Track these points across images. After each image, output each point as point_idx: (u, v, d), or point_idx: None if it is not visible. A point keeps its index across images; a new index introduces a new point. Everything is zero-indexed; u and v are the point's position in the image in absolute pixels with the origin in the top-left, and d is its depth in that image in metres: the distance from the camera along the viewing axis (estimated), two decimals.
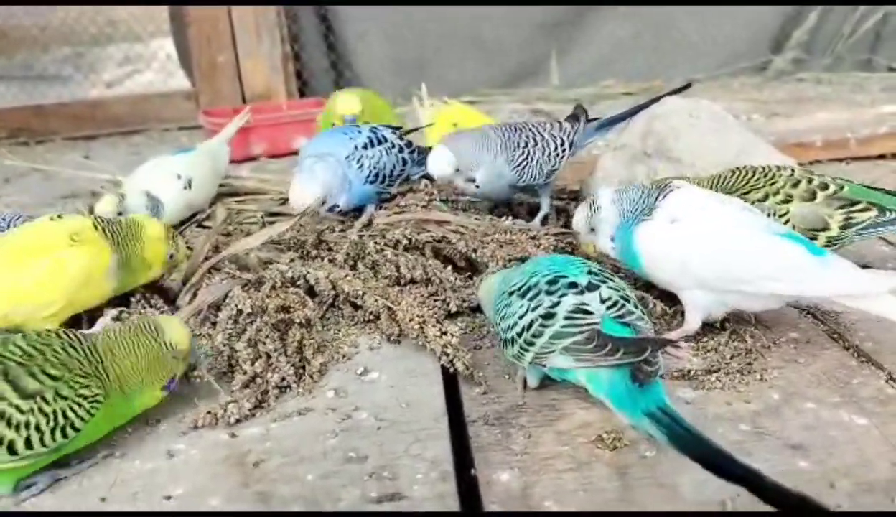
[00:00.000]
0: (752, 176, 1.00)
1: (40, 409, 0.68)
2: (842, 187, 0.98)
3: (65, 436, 0.69)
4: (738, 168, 1.03)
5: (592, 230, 0.95)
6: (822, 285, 0.82)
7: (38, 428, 0.68)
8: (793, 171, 1.01)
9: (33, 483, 0.71)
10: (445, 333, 0.88)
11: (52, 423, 0.68)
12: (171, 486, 0.70)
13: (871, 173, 1.59)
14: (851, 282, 0.81)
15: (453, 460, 0.71)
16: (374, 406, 0.81)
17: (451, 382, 0.85)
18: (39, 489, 0.71)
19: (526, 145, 1.22)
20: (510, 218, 1.20)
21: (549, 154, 1.24)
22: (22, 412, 0.67)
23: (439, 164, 1.20)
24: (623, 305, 0.75)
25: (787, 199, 0.96)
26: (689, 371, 0.83)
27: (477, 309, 1.00)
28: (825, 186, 0.97)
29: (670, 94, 1.37)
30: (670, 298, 0.98)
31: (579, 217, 0.97)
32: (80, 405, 0.70)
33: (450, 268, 1.04)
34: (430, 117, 1.59)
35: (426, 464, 0.70)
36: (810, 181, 0.98)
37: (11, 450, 0.67)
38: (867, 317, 0.91)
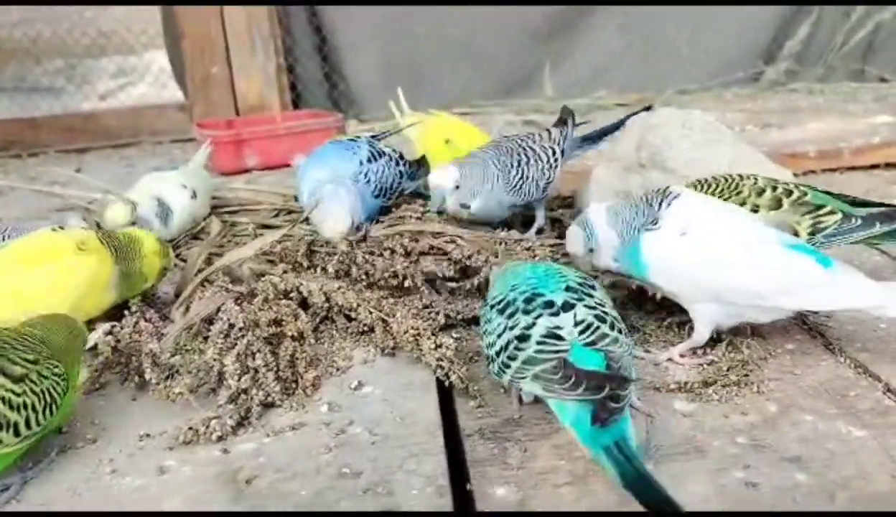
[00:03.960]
0: (717, 187, 1.00)
1: (31, 391, 0.71)
2: (805, 193, 0.98)
3: (51, 413, 0.72)
4: (700, 179, 1.04)
5: (591, 251, 0.93)
6: (835, 299, 0.82)
7: (33, 408, 0.71)
8: (756, 179, 1.01)
9: (6, 487, 0.72)
10: (440, 346, 0.87)
11: (42, 403, 0.72)
12: (162, 503, 0.69)
13: (865, 184, 1.60)
14: (863, 296, 0.81)
15: (449, 475, 0.70)
16: (369, 420, 0.80)
17: (446, 396, 0.85)
18: (16, 491, 0.72)
19: (519, 164, 1.22)
20: (505, 229, 1.20)
21: (543, 168, 1.25)
22: (17, 395, 0.70)
23: (444, 179, 1.18)
24: (597, 328, 0.72)
25: (755, 209, 0.96)
26: (686, 383, 0.83)
27: (471, 321, 1.00)
28: (789, 193, 0.98)
29: (635, 114, 1.37)
30: (668, 309, 0.97)
31: (575, 240, 0.95)
32: (58, 384, 0.74)
33: (444, 264, 1.03)
34: (417, 129, 1.58)
35: (422, 479, 0.69)
36: (774, 188, 0.98)
37: (16, 431, 0.70)
38: (864, 327, 0.92)
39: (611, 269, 0.95)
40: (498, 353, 0.75)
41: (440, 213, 1.26)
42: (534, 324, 0.73)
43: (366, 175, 1.24)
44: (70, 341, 0.80)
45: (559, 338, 0.71)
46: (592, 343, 0.71)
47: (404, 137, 1.60)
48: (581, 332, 0.72)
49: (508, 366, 0.73)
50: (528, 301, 0.75)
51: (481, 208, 1.21)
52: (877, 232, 0.95)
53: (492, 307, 0.79)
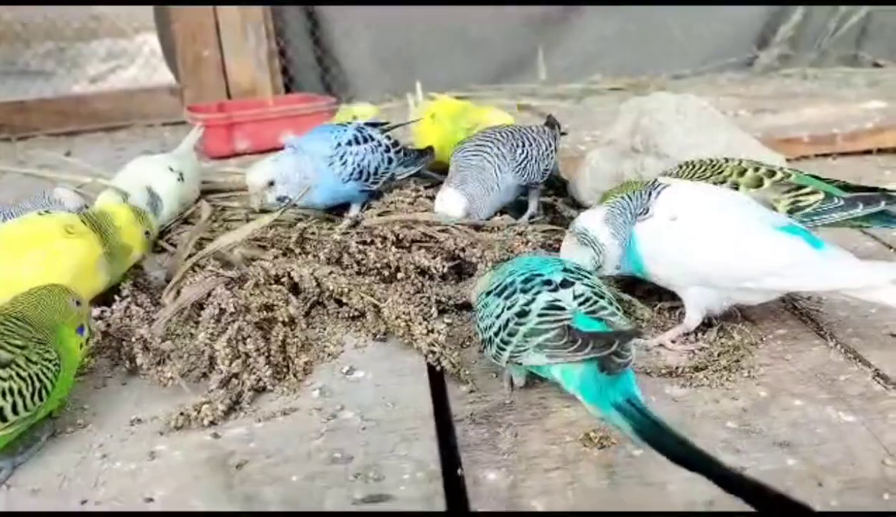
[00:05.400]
0: (699, 168, 1.01)
1: (18, 375, 0.71)
2: (789, 175, 0.98)
3: (41, 398, 0.72)
4: (685, 162, 1.04)
5: (599, 267, 0.91)
6: (825, 280, 0.83)
7: (20, 393, 0.71)
8: (740, 161, 1.01)
9: None
10: (432, 331, 0.87)
11: (30, 387, 0.71)
12: (152, 488, 0.69)
13: (857, 168, 1.60)
14: (853, 276, 0.82)
15: (440, 460, 0.70)
16: (360, 405, 0.80)
17: (437, 381, 0.85)
18: (6, 475, 0.72)
19: (524, 144, 1.23)
20: (498, 214, 1.19)
21: (542, 151, 1.25)
22: (4, 380, 0.70)
23: (453, 208, 1.17)
24: (596, 301, 0.74)
25: (735, 186, 0.96)
26: (676, 368, 0.83)
27: (463, 306, 1.00)
28: (772, 173, 0.98)
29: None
30: (658, 295, 0.97)
31: (583, 259, 0.91)
32: (48, 368, 0.74)
33: (437, 259, 1.03)
34: (418, 114, 1.58)
35: (412, 463, 0.69)
36: (757, 169, 0.99)
37: (2, 417, 0.69)
38: (855, 313, 0.92)
39: (611, 275, 0.95)
40: (496, 333, 0.75)
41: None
42: (533, 300, 0.74)
43: (342, 157, 1.24)
44: (59, 312, 0.79)
45: (560, 308, 0.73)
46: (593, 312, 0.73)
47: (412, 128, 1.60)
48: (581, 304, 0.73)
49: (508, 343, 0.74)
50: (526, 281, 0.76)
51: (491, 213, 1.21)
52: (859, 213, 0.95)
53: (488, 294, 0.79)
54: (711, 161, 1.02)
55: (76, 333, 0.80)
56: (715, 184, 0.97)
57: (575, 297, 0.74)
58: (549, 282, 0.75)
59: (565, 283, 0.75)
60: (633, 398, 0.65)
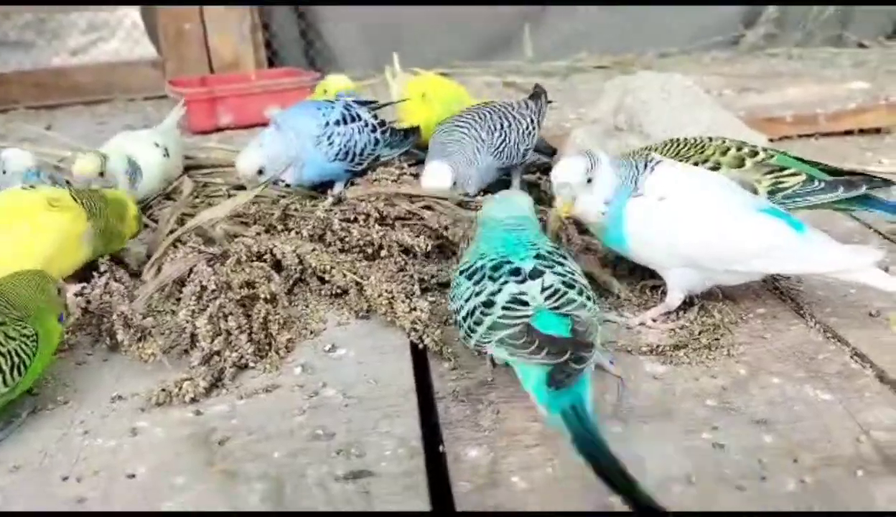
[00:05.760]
0: (683, 146, 1.01)
1: None
2: (771, 156, 0.99)
3: (20, 373, 0.72)
4: (670, 139, 1.04)
5: (589, 181, 0.85)
6: (806, 263, 0.83)
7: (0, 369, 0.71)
8: (724, 140, 1.01)
9: None
10: (414, 309, 0.87)
11: (9, 363, 0.71)
12: (134, 464, 0.69)
13: (840, 148, 1.61)
14: (834, 259, 0.82)
15: (422, 437, 0.70)
16: (342, 383, 0.80)
17: (420, 358, 0.85)
18: None
19: (502, 127, 1.23)
20: (482, 193, 1.19)
21: (522, 132, 1.25)
22: None
23: (440, 180, 1.16)
24: (564, 294, 0.72)
25: (716, 166, 0.97)
26: (657, 346, 0.83)
27: (446, 285, 1.00)
28: (754, 154, 0.98)
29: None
30: (640, 274, 0.98)
31: (574, 167, 0.85)
32: (26, 344, 0.74)
33: (421, 238, 1.03)
34: (403, 90, 1.57)
35: (394, 440, 0.70)
36: (739, 149, 0.99)
37: None
38: (834, 293, 0.93)
39: (591, 216, 0.89)
40: (465, 318, 0.75)
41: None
42: (499, 290, 0.73)
43: (329, 137, 1.23)
44: (40, 297, 0.79)
45: (523, 303, 0.72)
46: (558, 308, 0.71)
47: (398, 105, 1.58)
48: (547, 298, 0.72)
49: (474, 331, 0.74)
50: (495, 268, 0.75)
51: (477, 188, 1.21)
52: (839, 196, 0.95)
53: (461, 272, 0.79)
54: (695, 140, 1.02)
55: (58, 322, 0.80)
56: (697, 163, 0.97)
57: (543, 290, 0.72)
58: (517, 272, 0.74)
59: (535, 273, 0.74)
60: (579, 405, 0.63)
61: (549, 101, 1.37)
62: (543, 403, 0.67)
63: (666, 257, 0.87)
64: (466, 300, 0.75)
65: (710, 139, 1.02)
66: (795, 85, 2.09)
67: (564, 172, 0.86)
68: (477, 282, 0.75)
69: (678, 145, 1.02)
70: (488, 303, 0.73)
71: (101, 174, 1.21)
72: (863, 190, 0.96)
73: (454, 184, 1.16)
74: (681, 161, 0.98)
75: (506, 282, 0.73)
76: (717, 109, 1.33)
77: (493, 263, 0.76)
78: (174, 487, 0.65)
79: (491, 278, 0.74)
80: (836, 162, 1.08)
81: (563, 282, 0.73)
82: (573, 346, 0.67)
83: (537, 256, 0.76)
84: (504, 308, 0.72)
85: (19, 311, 0.76)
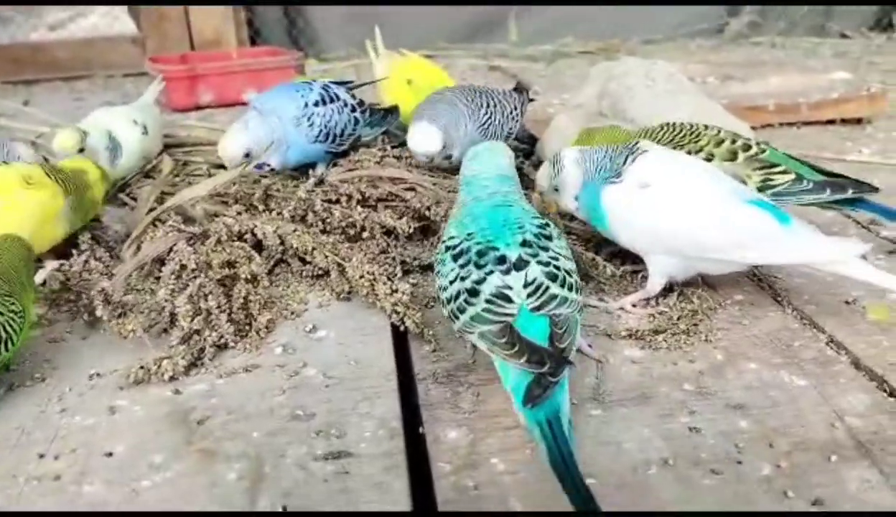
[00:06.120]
0: (679, 132, 1.02)
1: None
2: (763, 151, 0.99)
3: (6, 349, 0.73)
4: (667, 123, 1.04)
5: (556, 190, 0.94)
6: (790, 254, 0.84)
7: None
8: (719, 130, 1.02)
9: None
10: (396, 291, 0.87)
11: None
12: (112, 443, 0.69)
13: (820, 137, 1.62)
14: (818, 251, 0.83)
15: (402, 418, 0.71)
16: (323, 363, 0.80)
17: (400, 340, 0.85)
18: None
19: (488, 106, 1.23)
20: None
21: (507, 115, 1.25)
22: None
23: (430, 142, 1.15)
24: (546, 289, 0.71)
25: (709, 157, 0.98)
26: (636, 331, 0.84)
27: (427, 268, 1.00)
28: (747, 147, 0.99)
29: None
30: (622, 258, 0.98)
31: (542, 175, 0.96)
32: (13, 319, 0.74)
33: (403, 219, 1.03)
34: (385, 69, 1.55)
35: (374, 421, 0.70)
36: (734, 141, 1.00)
37: None
38: (811, 281, 0.94)
39: (570, 211, 0.96)
40: (449, 300, 0.75)
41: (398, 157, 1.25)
42: (484, 279, 0.72)
43: (309, 118, 1.22)
44: (24, 271, 0.79)
45: (508, 299, 0.70)
46: (539, 307, 0.70)
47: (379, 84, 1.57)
48: (530, 295, 0.71)
49: (458, 318, 0.73)
50: (480, 254, 0.74)
51: (461, 154, 1.20)
52: (825, 198, 0.97)
53: (447, 248, 0.78)
54: (691, 126, 1.03)
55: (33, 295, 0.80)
56: (691, 152, 0.98)
57: (526, 285, 0.71)
58: (503, 259, 0.73)
59: (519, 264, 0.72)
60: (554, 419, 0.62)
61: (532, 100, 1.38)
62: (521, 410, 0.66)
63: (649, 243, 0.88)
64: (451, 282, 0.75)
65: (706, 127, 1.02)
66: (778, 74, 2.10)
67: (538, 180, 0.97)
68: (462, 266, 0.74)
69: (673, 130, 1.02)
70: (473, 292, 0.72)
71: (82, 150, 1.20)
72: (848, 194, 0.96)
73: (443, 147, 1.14)
74: (675, 147, 0.99)
75: (491, 272, 0.72)
76: (700, 97, 1.34)
77: (478, 247, 0.74)
78: (152, 466, 0.65)
79: (476, 265, 0.73)
80: (816, 151, 1.09)
81: (547, 274, 0.72)
82: (551, 359, 0.66)
83: (523, 243, 0.74)
84: (488, 301, 0.71)
85: (8, 285, 0.75)
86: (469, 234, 0.77)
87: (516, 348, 0.67)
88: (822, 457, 0.64)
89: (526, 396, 0.64)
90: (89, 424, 0.71)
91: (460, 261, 0.75)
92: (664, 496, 0.60)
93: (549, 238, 0.76)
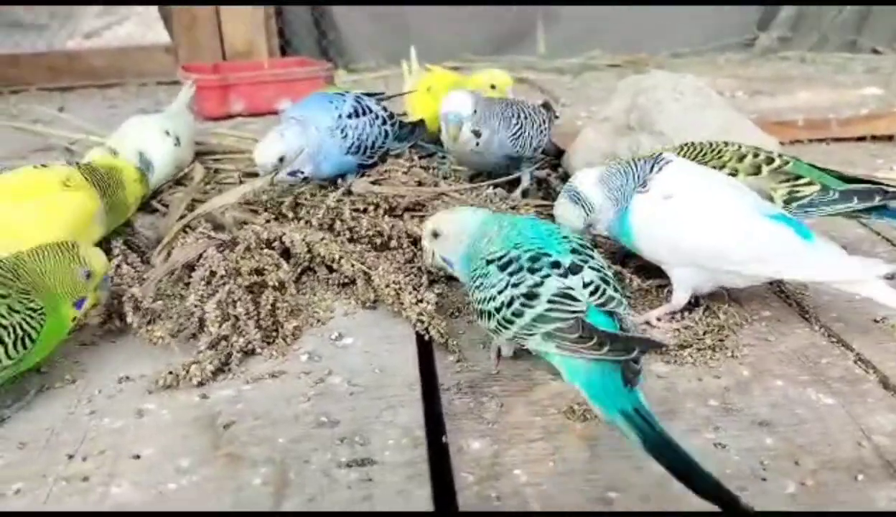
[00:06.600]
0: (700, 151, 1.01)
1: (0, 324, 0.71)
2: (787, 162, 0.99)
3: (24, 346, 0.72)
4: (687, 143, 1.04)
5: (590, 226, 0.93)
6: (810, 270, 0.83)
7: (2, 341, 0.71)
8: (739, 146, 1.01)
9: None
10: (421, 301, 0.87)
11: (12, 336, 0.71)
12: (139, 445, 0.70)
13: (850, 154, 1.61)
14: (840, 270, 0.82)
15: (425, 427, 0.71)
16: (348, 371, 0.81)
17: (425, 350, 0.85)
18: None
19: (519, 117, 1.23)
20: (491, 188, 1.20)
21: (536, 127, 1.26)
22: None
23: (462, 104, 1.18)
24: (604, 291, 0.72)
25: (733, 173, 0.97)
26: (662, 346, 0.84)
27: (452, 277, 1.00)
28: (770, 161, 0.98)
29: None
30: (647, 272, 0.98)
31: (572, 217, 0.92)
32: (32, 317, 0.73)
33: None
34: (413, 84, 1.57)
35: (398, 430, 0.70)
36: (756, 155, 0.99)
37: None
38: (839, 298, 0.93)
39: (604, 235, 0.96)
40: (498, 309, 0.74)
41: (443, 159, 1.26)
42: (542, 283, 0.72)
43: (342, 130, 1.23)
44: (55, 274, 0.77)
45: (573, 298, 0.71)
46: (603, 304, 0.71)
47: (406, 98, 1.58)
48: (591, 294, 0.72)
49: (512, 323, 0.73)
50: (533, 259, 0.74)
51: (487, 142, 1.21)
52: (854, 207, 0.95)
53: (489, 262, 0.77)
54: (711, 144, 1.02)
55: (73, 307, 0.79)
56: (716, 168, 0.97)
57: (585, 286, 0.72)
58: (557, 264, 0.73)
59: (574, 268, 0.73)
60: (640, 407, 0.63)
61: (557, 117, 1.39)
62: (599, 403, 0.66)
63: (671, 255, 0.88)
64: (500, 291, 0.74)
65: (727, 144, 1.02)
66: (808, 89, 2.09)
67: (566, 220, 0.93)
68: (512, 273, 0.74)
69: (695, 149, 1.02)
70: (531, 295, 0.72)
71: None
72: (875, 201, 0.95)
73: (474, 112, 1.17)
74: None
75: (548, 275, 0.72)
76: (729, 111, 1.33)
77: (530, 254, 0.74)
78: (179, 469, 0.66)
79: (530, 270, 0.73)
80: (846, 168, 1.08)
81: (601, 278, 0.73)
82: (632, 343, 0.67)
83: (573, 251, 0.75)
84: (550, 301, 0.71)
85: (26, 284, 0.75)
86: (516, 245, 0.76)
87: (594, 340, 0.67)
88: (848, 476, 0.63)
89: (624, 381, 0.66)
90: (118, 427, 0.73)
91: (509, 270, 0.74)
92: (688, 512, 0.60)
93: (591, 250, 0.78)
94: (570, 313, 0.70)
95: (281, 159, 1.17)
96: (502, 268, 0.75)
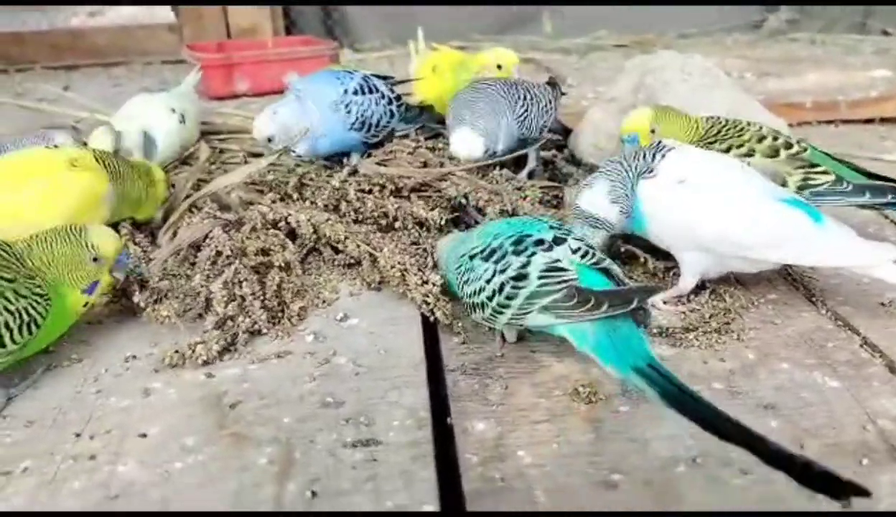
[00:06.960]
0: (724, 125, 1.01)
1: (6, 309, 0.71)
2: (805, 149, 0.98)
3: (30, 332, 0.72)
4: (711, 116, 1.04)
5: (612, 237, 0.95)
6: (821, 255, 0.83)
7: (7, 326, 0.71)
8: (761, 127, 1.01)
9: None
10: (426, 282, 0.87)
11: (18, 321, 0.71)
12: (146, 424, 0.70)
13: (859, 136, 1.59)
14: (852, 254, 0.82)
15: (430, 408, 0.71)
16: (353, 352, 0.81)
17: (430, 331, 0.85)
18: (1, 406, 0.73)
19: (525, 99, 1.22)
20: (497, 168, 1.19)
21: (542, 108, 1.25)
22: None
23: (473, 149, 1.16)
24: (594, 253, 0.75)
25: (750, 153, 0.97)
26: (667, 328, 0.84)
27: None
28: (789, 146, 0.98)
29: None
30: (656, 254, 0.98)
31: (598, 238, 0.92)
32: (38, 302, 0.73)
33: (436, 211, 1.03)
34: (420, 67, 1.55)
35: (403, 411, 0.71)
36: (776, 138, 0.99)
37: None
38: (846, 281, 0.93)
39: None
40: (490, 298, 0.75)
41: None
42: (528, 262, 0.74)
43: (346, 105, 1.23)
44: (63, 261, 0.77)
45: (561, 269, 0.73)
46: (596, 263, 0.74)
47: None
48: (582, 257, 0.74)
49: (506, 307, 0.74)
50: (517, 242, 0.76)
51: (505, 149, 1.21)
52: (865, 201, 0.95)
53: (471, 257, 0.79)
54: (735, 122, 1.02)
55: (83, 293, 0.79)
56: (734, 146, 0.97)
57: (573, 251, 0.75)
58: (541, 242, 0.75)
59: (558, 240, 0.76)
60: (653, 362, 0.65)
61: (564, 93, 1.38)
62: (610, 363, 0.68)
63: (682, 239, 0.87)
64: (488, 280, 0.75)
65: (749, 124, 1.01)
66: (816, 71, 2.07)
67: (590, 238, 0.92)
68: (497, 261, 0.76)
69: (720, 124, 1.02)
70: (519, 277, 0.74)
71: (116, 151, 1.21)
72: (888, 198, 0.95)
73: (485, 151, 1.16)
74: (715, 143, 0.98)
75: (534, 253, 0.74)
76: (737, 92, 1.32)
77: (512, 239, 0.76)
78: (185, 448, 0.67)
79: (515, 252, 0.75)
80: (854, 150, 1.07)
81: (586, 245, 0.76)
82: (629, 294, 0.70)
83: (552, 227, 0.78)
84: (540, 276, 0.73)
85: (31, 270, 0.75)
86: (496, 236, 0.79)
87: (592, 302, 0.69)
88: (853, 460, 0.63)
89: (637, 323, 0.69)
90: (124, 406, 0.73)
91: (494, 258, 0.76)
92: (692, 495, 0.60)
93: (569, 232, 0.80)
94: (563, 283, 0.72)
95: (270, 138, 1.18)
96: (486, 258, 0.77)
